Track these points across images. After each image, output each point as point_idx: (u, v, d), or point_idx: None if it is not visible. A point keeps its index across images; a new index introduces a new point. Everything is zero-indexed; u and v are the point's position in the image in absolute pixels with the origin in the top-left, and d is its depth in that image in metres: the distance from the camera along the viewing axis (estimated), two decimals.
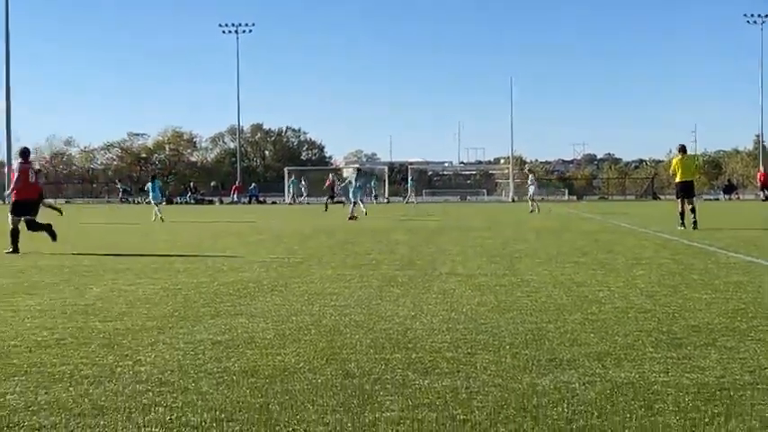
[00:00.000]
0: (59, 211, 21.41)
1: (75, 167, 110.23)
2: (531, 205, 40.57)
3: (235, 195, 77.43)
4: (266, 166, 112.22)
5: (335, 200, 49.67)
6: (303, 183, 70.22)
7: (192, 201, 74.98)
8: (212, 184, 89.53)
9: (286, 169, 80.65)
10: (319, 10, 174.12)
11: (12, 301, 9.49)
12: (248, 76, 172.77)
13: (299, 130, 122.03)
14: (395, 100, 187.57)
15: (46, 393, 5.30)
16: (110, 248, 17.53)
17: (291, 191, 68.97)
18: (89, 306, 9.04)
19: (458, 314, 8.33)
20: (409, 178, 74.57)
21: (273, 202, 74.92)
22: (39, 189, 17.83)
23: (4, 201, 42.46)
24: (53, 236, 17.48)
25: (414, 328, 7.51)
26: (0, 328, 7.64)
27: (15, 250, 16.36)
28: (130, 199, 78.49)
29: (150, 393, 5.28)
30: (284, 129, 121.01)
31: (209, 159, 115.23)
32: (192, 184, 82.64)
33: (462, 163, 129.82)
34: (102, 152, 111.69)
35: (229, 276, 11.89)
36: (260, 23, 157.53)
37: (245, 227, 27.55)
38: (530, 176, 43.47)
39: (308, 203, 63.68)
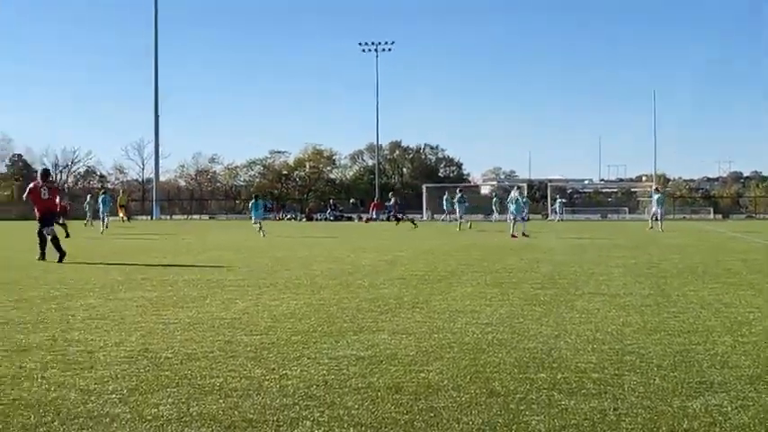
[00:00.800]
0: (67, 232, 27.22)
1: (219, 184, 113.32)
2: (652, 223, 39.21)
3: (373, 212, 78.08)
4: (404, 184, 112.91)
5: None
6: (455, 200, 70.39)
7: (332, 218, 75.93)
8: (351, 201, 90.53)
9: (424, 186, 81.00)
10: (458, 28, 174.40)
11: (162, 314, 9.79)
12: (387, 93, 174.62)
13: (437, 148, 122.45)
14: (534, 116, 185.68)
15: (197, 405, 5.43)
16: (252, 264, 17.89)
17: (445, 208, 69.22)
18: (235, 320, 9.25)
19: (602, 334, 8.19)
20: (557, 196, 73.80)
21: (411, 220, 75.22)
22: (55, 203, 19.64)
23: (151, 216, 43.83)
24: (61, 256, 18.20)
25: (558, 348, 7.42)
26: (152, 341, 7.90)
27: (42, 257, 18.62)
28: (271, 215, 79.97)
29: (297, 407, 5.36)
30: (422, 146, 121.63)
31: (347, 176, 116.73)
32: (331, 200, 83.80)
33: (603, 180, 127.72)
34: (244, 169, 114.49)
35: (370, 292, 11.99)
36: (399, 42, 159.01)
37: (384, 243, 27.72)
38: (654, 196, 41.16)
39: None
